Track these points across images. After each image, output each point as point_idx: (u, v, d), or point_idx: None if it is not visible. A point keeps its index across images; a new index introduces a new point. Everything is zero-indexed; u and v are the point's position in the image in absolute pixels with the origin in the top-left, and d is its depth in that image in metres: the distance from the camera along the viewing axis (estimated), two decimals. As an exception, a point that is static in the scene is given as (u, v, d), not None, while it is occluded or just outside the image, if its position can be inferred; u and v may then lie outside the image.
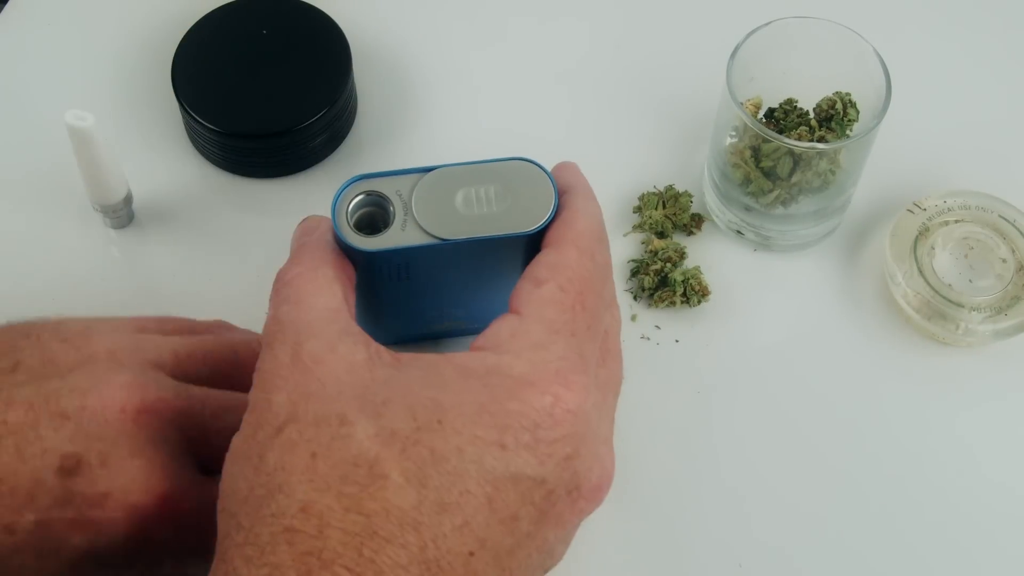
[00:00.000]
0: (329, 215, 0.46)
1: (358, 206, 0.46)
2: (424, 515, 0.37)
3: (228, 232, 0.62)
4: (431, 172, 0.46)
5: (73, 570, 0.42)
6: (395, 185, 0.46)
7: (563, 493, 0.40)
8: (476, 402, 0.39)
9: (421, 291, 0.50)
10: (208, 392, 0.45)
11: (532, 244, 0.47)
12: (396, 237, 0.45)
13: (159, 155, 0.65)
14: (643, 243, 0.62)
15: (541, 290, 0.42)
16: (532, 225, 0.46)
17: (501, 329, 0.42)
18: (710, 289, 0.60)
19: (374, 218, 0.46)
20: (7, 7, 0.71)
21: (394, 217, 0.46)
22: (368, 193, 0.46)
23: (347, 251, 0.46)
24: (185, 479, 0.43)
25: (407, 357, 0.42)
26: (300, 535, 0.36)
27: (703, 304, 0.60)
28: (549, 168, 0.48)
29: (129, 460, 0.42)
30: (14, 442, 0.41)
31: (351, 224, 0.46)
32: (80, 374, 0.43)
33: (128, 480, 0.42)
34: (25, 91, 0.67)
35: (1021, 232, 0.60)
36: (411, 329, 0.55)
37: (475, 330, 0.57)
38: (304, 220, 0.47)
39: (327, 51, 0.64)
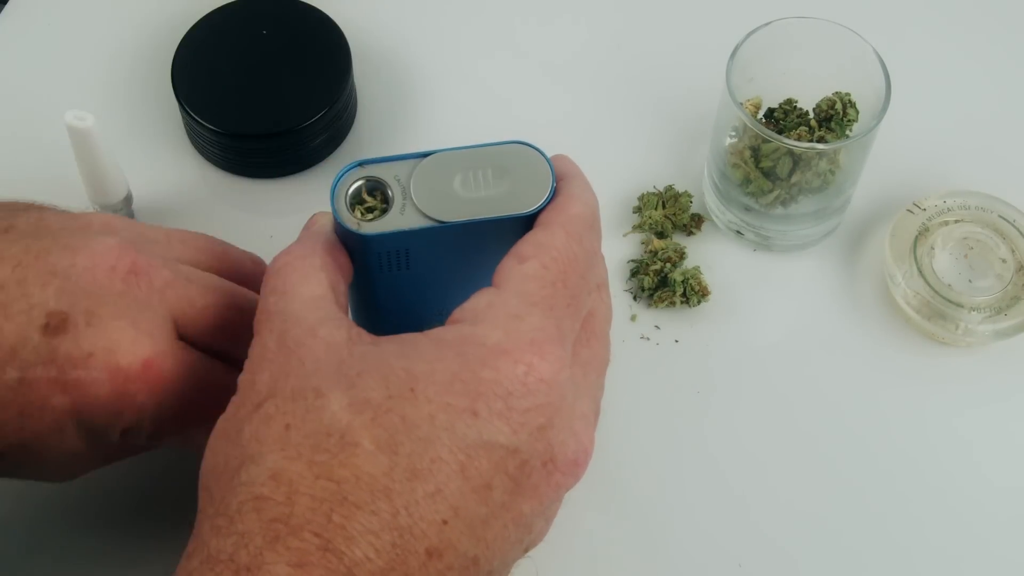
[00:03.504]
0: (330, 211, 0.46)
1: (357, 191, 0.46)
2: (395, 482, 0.37)
3: (228, 232, 0.62)
4: (429, 157, 0.47)
5: (54, 432, 0.42)
6: (393, 170, 0.46)
7: (538, 464, 0.40)
8: (449, 370, 0.39)
9: (421, 283, 0.50)
10: (198, 272, 0.46)
11: (529, 229, 0.47)
12: (395, 221, 0.46)
13: (159, 155, 0.65)
14: (643, 243, 0.62)
15: (524, 266, 0.43)
16: (530, 207, 0.46)
17: (479, 301, 0.42)
18: (710, 289, 0.60)
19: (373, 203, 0.47)
20: (7, 7, 0.71)
21: (393, 202, 0.46)
22: (367, 179, 0.46)
23: (346, 237, 0.46)
24: (168, 345, 0.43)
25: (386, 338, 0.42)
26: (268, 502, 0.37)
27: (703, 304, 0.60)
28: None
29: (115, 321, 0.42)
30: (0, 298, 0.41)
31: (349, 209, 0.46)
32: (72, 233, 0.43)
33: (112, 341, 0.42)
34: (25, 91, 0.67)
35: (1021, 232, 0.60)
36: (411, 329, 0.55)
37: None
38: (312, 216, 0.48)
39: (327, 51, 0.64)
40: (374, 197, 0.46)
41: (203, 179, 0.64)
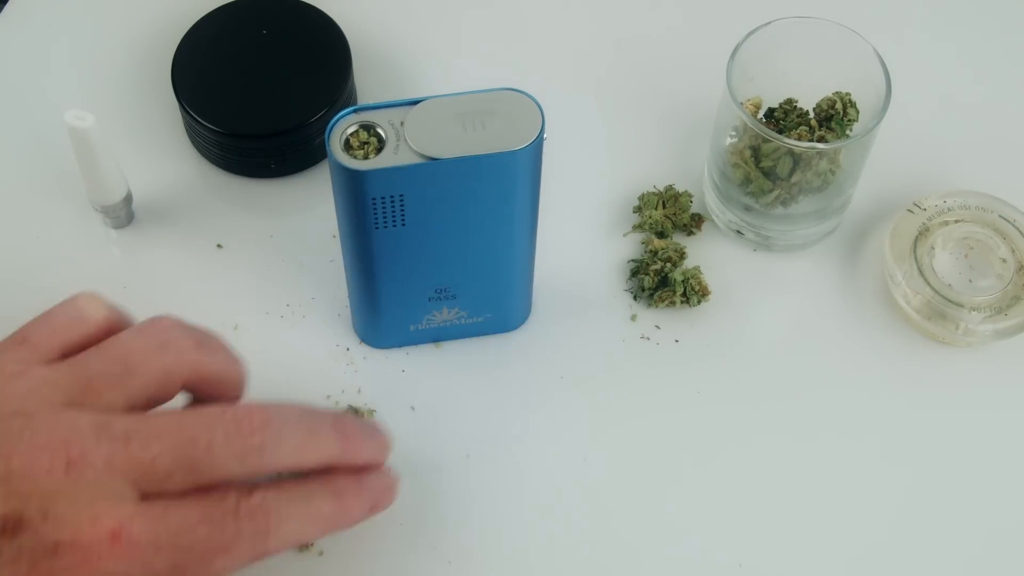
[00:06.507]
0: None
1: (352, 135, 0.48)
2: None
3: (228, 232, 0.62)
4: (423, 101, 0.48)
5: None
6: (387, 115, 0.48)
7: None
8: None
9: (418, 247, 0.51)
10: (137, 419, 0.44)
11: (520, 180, 0.49)
12: (390, 159, 0.47)
13: (159, 155, 0.65)
14: (643, 243, 0.62)
15: None
16: (521, 144, 0.47)
17: None
18: (710, 289, 0.60)
19: (367, 139, 0.48)
20: (7, 7, 0.71)
21: (387, 142, 0.47)
22: (362, 124, 0.48)
23: (343, 176, 0.47)
24: (132, 508, 0.42)
25: None
26: None
27: (703, 304, 0.60)
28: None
29: (70, 509, 0.41)
30: None
31: (344, 150, 0.47)
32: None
33: (74, 527, 0.41)
34: (25, 91, 0.67)
35: (1021, 232, 0.60)
36: (408, 304, 0.55)
37: (472, 325, 0.57)
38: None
39: (327, 51, 0.64)
40: (368, 143, 0.47)
41: (203, 179, 0.64)
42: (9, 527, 0.41)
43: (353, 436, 0.47)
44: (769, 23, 0.58)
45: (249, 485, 0.44)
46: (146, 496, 0.43)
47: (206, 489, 0.43)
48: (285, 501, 0.45)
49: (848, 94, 0.60)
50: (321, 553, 0.53)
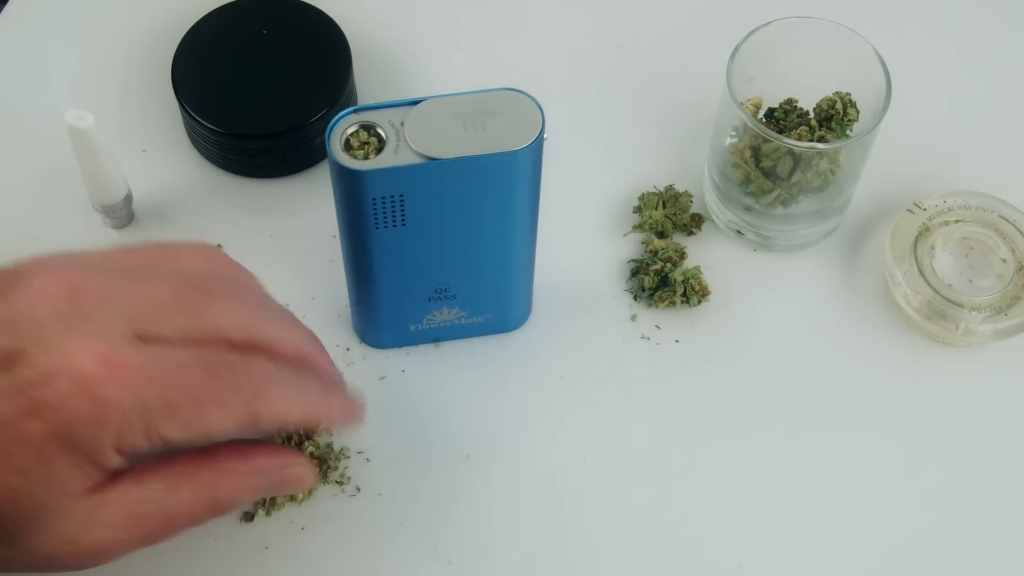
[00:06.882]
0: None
1: (352, 135, 0.48)
2: None
3: (228, 232, 0.62)
4: (423, 101, 0.48)
5: (40, 465, 0.42)
6: (387, 115, 0.48)
7: None
8: None
9: (417, 247, 0.51)
10: (140, 269, 0.46)
11: (521, 180, 0.49)
12: (390, 159, 0.47)
13: (159, 155, 0.65)
14: (643, 243, 0.62)
15: None
16: (521, 145, 0.47)
17: None
18: (710, 289, 0.60)
19: (367, 139, 0.48)
20: (7, 7, 0.71)
21: (387, 142, 0.47)
22: (362, 124, 0.48)
23: (343, 176, 0.47)
24: (127, 341, 0.43)
25: None
26: None
27: (703, 304, 0.60)
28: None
29: (66, 337, 0.42)
30: None
31: (344, 150, 0.47)
32: (5, 284, 0.43)
33: (68, 355, 0.41)
34: (25, 91, 0.67)
35: (1021, 232, 0.60)
36: (408, 304, 0.55)
37: (472, 325, 0.57)
38: None
39: (327, 51, 0.64)
40: (368, 143, 0.47)
41: (203, 179, 0.64)
42: (4, 362, 0.41)
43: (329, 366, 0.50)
44: (769, 23, 0.58)
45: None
46: (145, 339, 0.43)
47: (204, 343, 0.44)
48: (279, 371, 0.46)
49: (848, 94, 0.60)
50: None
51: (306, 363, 0.48)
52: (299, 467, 0.49)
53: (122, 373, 0.42)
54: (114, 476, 0.43)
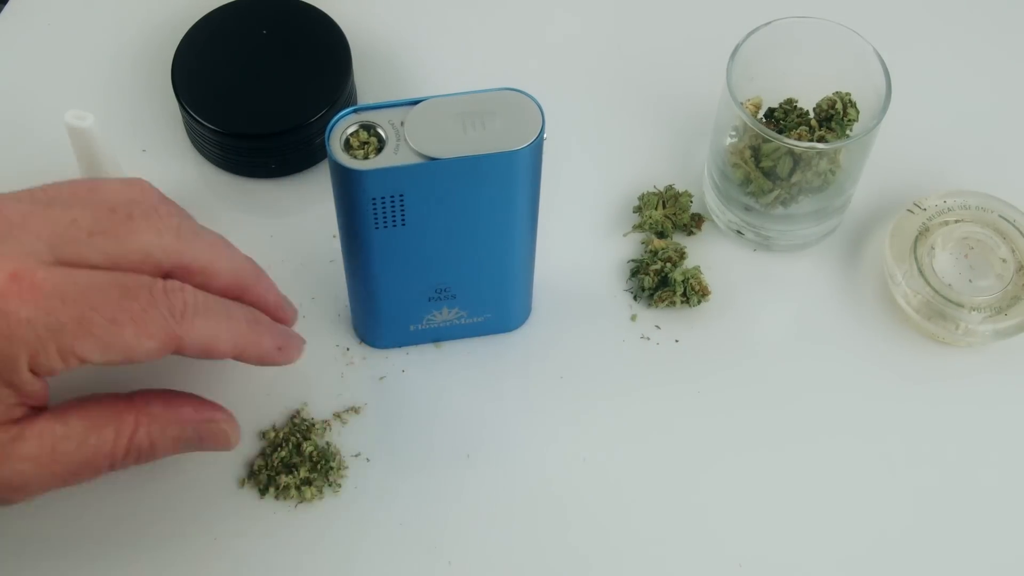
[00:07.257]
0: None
1: (352, 135, 0.48)
2: None
3: (228, 232, 0.62)
4: (423, 101, 0.48)
5: None
6: (387, 115, 0.48)
7: None
8: None
9: (417, 247, 0.51)
10: (58, 196, 0.46)
11: (521, 180, 0.49)
12: (390, 158, 0.47)
13: (159, 155, 0.65)
14: (643, 243, 0.62)
15: None
16: (521, 144, 0.47)
17: None
18: (710, 289, 0.60)
19: (367, 139, 0.48)
20: (7, 7, 0.71)
21: (387, 142, 0.47)
22: (362, 124, 0.48)
23: (342, 176, 0.47)
24: (37, 260, 0.43)
25: None
26: None
27: (703, 304, 0.60)
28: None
29: None
30: None
31: (344, 150, 0.47)
32: None
33: None
34: (25, 91, 0.67)
35: (1021, 232, 0.60)
36: (408, 304, 0.55)
37: (472, 325, 0.58)
38: None
39: (327, 51, 0.64)
40: (368, 143, 0.47)
41: (203, 179, 0.64)
42: None
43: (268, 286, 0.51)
44: (769, 23, 0.58)
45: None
46: (64, 262, 0.43)
47: (128, 267, 0.44)
48: (203, 299, 0.46)
49: (848, 94, 0.60)
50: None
51: (243, 292, 0.48)
52: (224, 423, 0.50)
53: (32, 291, 0.42)
54: (35, 412, 0.43)
